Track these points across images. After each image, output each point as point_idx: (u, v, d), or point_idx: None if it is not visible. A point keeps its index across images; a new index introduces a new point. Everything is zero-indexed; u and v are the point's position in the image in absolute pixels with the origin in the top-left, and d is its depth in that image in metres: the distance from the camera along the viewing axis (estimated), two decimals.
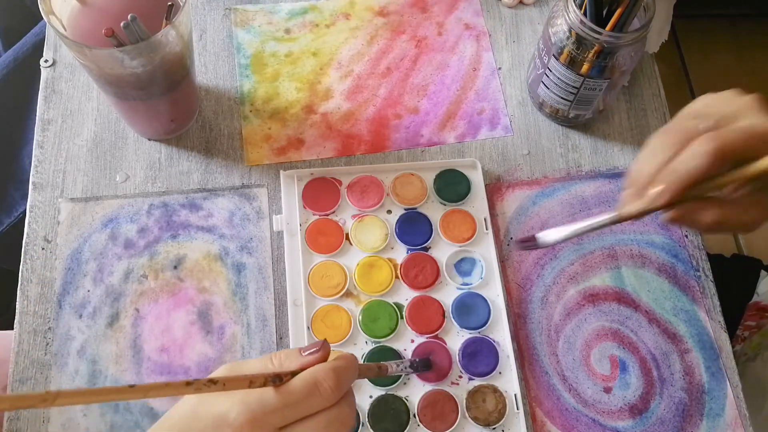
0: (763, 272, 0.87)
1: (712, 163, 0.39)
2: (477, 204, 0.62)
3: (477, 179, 0.62)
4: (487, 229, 0.61)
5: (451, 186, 0.62)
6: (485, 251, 0.60)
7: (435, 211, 0.61)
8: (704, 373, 0.58)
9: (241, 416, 0.36)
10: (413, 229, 0.60)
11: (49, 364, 0.55)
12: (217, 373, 0.39)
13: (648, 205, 0.41)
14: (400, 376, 0.55)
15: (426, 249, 0.60)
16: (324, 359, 0.40)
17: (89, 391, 0.30)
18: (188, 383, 0.34)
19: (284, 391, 0.37)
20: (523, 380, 0.57)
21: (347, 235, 0.60)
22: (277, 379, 0.37)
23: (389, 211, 0.61)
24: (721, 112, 0.41)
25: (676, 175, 0.40)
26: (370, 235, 0.60)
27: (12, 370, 0.55)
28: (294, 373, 0.38)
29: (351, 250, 0.60)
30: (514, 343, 0.57)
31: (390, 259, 0.59)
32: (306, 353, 0.39)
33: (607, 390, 0.57)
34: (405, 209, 0.61)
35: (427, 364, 0.55)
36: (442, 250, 0.60)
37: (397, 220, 0.61)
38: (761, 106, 0.41)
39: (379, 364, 0.47)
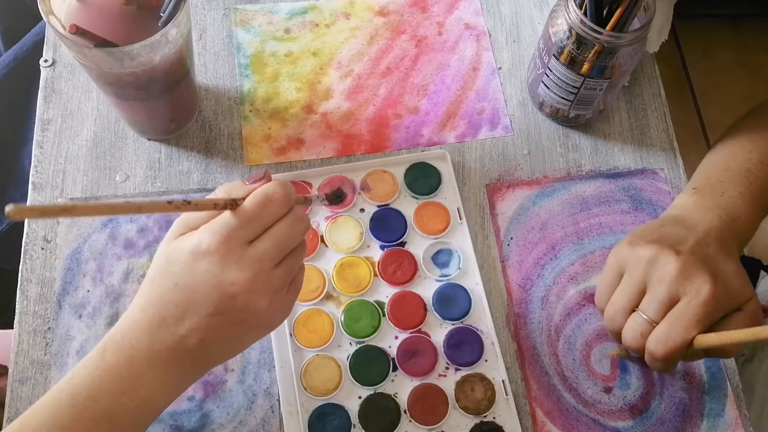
0: (762, 272, 0.87)
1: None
2: (449, 195, 0.62)
3: (447, 171, 0.63)
4: (461, 219, 0.61)
5: (422, 179, 0.62)
6: (461, 241, 0.60)
7: (408, 205, 0.61)
8: (704, 373, 0.58)
9: (213, 241, 0.40)
10: (388, 225, 0.60)
11: (48, 364, 0.55)
12: (172, 228, 0.43)
13: None
14: (387, 373, 0.55)
15: (402, 244, 0.60)
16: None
17: (98, 206, 0.36)
18: (169, 202, 0.39)
19: (241, 210, 0.41)
20: (524, 380, 0.57)
21: (322, 237, 0.60)
22: (233, 203, 0.41)
23: (362, 210, 0.61)
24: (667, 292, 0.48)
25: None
26: (345, 235, 0.60)
27: (12, 370, 0.55)
28: (244, 199, 0.42)
29: (327, 252, 0.59)
30: (507, 337, 0.57)
31: (367, 258, 0.59)
32: (250, 182, 0.44)
33: (608, 390, 0.57)
34: (378, 206, 0.61)
35: (339, 195, 0.58)
36: (418, 244, 0.60)
37: (371, 218, 0.61)
38: (684, 277, 0.48)
39: (305, 196, 0.51)
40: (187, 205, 0.40)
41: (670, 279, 0.47)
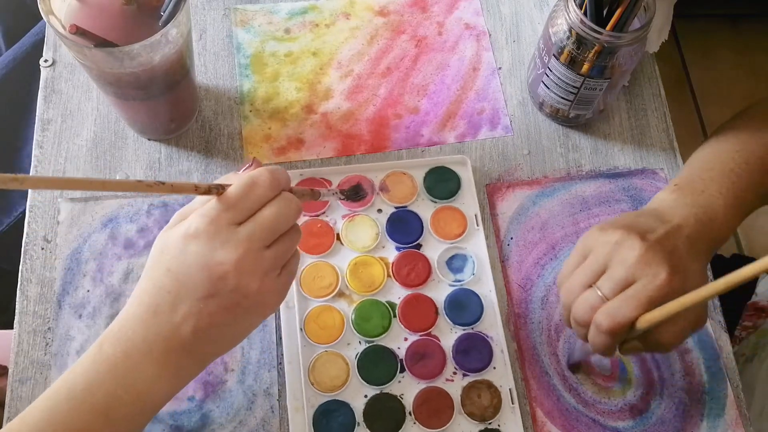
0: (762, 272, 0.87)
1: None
2: (467, 201, 0.62)
3: (467, 176, 0.63)
4: (477, 226, 0.61)
5: (442, 183, 0.62)
6: (476, 247, 0.60)
7: (425, 208, 0.61)
8: (704, 373, 0.58)
9: (200, 223, 0.41)
10: (404, 227, 0.60)
11: (48, 364, 0.55)
12: (170, 220, 0.44)
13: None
14: (394, 374, 0.55)
15: (417, 247, 0.60)
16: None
17: (55, 180, 0.36)
18: (139, 181, 0.39)
19: (227, 193, 0.42)
20: (524, 380, 0.57)
21: (338, 235, 0.60)
22: (220, 188, 0.41)
23: (380, 210, 0.61)
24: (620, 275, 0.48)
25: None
26: (361, 234, 0.60)
27: (12, 370, 0.55)
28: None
29: (342, 250, 0.60)
30: (508, 338, 0.57)
31: (381, 258, 0.59)
32: (241, 171, 0.45)
33: (608, 390, 0.57)
34: (395, 208, 0.61)
35: (357, 191, 0.57)
36: (434, 248, 0.60)
37: (388, 219, 0.61)
38: (648, 261, 0.47)
39: (312, 189, 0.49)
40: (161, 186, 0.39)
41: (630, 263, 0.47)
